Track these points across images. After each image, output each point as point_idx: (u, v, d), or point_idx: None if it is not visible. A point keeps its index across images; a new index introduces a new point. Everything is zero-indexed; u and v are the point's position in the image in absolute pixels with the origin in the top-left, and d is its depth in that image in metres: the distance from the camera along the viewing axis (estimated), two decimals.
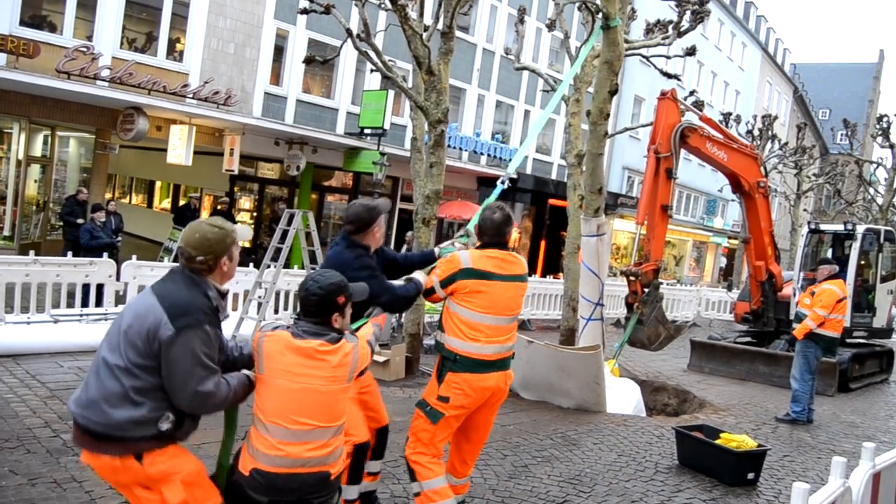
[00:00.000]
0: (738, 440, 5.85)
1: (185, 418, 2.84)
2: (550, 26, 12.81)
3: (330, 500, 3.04)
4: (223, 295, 2.97)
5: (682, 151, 9.88)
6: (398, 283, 4.14)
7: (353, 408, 3.75)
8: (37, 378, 6.91)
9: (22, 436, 5.23)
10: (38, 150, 15.59)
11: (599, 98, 8.85)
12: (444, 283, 3.94)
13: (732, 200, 29.59)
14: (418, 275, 4.16)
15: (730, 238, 41.59)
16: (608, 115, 8.97)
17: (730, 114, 26.28)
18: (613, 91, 8.66)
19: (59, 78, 13.41)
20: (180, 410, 2.80)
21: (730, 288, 24.68)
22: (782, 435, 7.69)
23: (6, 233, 14.78)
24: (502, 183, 5.33)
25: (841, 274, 9.57)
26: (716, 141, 10.39)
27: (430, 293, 4.07)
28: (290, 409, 2.88)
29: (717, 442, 5.88)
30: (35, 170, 15.69)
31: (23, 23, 13.95)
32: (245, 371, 3.02)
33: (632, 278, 8.95)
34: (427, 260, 4.43)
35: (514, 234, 26.51)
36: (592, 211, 8.88)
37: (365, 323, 3.83)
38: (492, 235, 4.05)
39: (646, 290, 8.86)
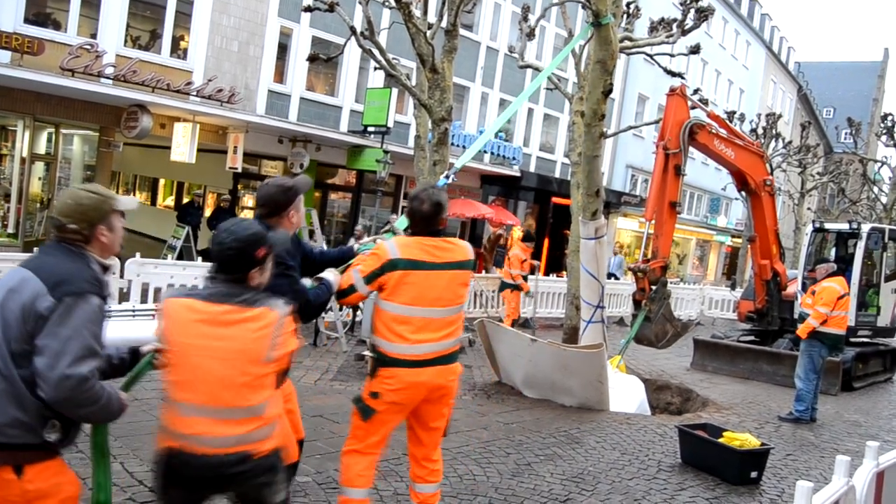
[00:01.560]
0: (741, 439, 5.85)
1: (71, 427, 2.45)
2: (531, 35, 12.78)
3: (267, 482, 2.70)
4: (105, 269, 2.59)
5: (689, 148, 9.86)
6: (307, 284, 3.73)
7: (284, 421, 3.39)
8: None
9: None
10: (42, 148, 15.61)
11: (593, 99, 8.64)
12: (370, 279, 3.59)
13: (736, 199, 29.61)
14: (329, 274, 3.71)
15: (733, 237, 41.53)
16: (603, 115, 8.75)
17: (734, 112, 26.23)
18: (608, 91, 8.43)
19: (64, 76, 13.42)
20: (66, 417, 2.40)
21: (733, 287, 24.65)
22: (785, 434, 7.69)
23: (10, 230, 14.80)
24: (446, 178, 5.25)
25: (844, 272, 9.55)
26: (723, 138, 10.38)
27: (347, 293, 3.67)
28: (196, 384, 2.56)
29: (721, 440, 5.88)
30: (39, 167, 15.71)
31: (27, 20, 13.97)
32: (120, 393, 2.56)
33: (640, 275, 8.94)
34: (344, 257, 4.06)
35: (518, 233, 26.48)
36: (590, 214, 8.76)
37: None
38: (422, 225, 3.72)
39: (654, 286, 8.85)
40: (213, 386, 2.55)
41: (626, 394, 8.11)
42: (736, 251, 41.13)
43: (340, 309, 10.69)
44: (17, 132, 14.91)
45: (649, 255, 9.19)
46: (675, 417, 8.17)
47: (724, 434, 5.99)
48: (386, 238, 4.06)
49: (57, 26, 14.73)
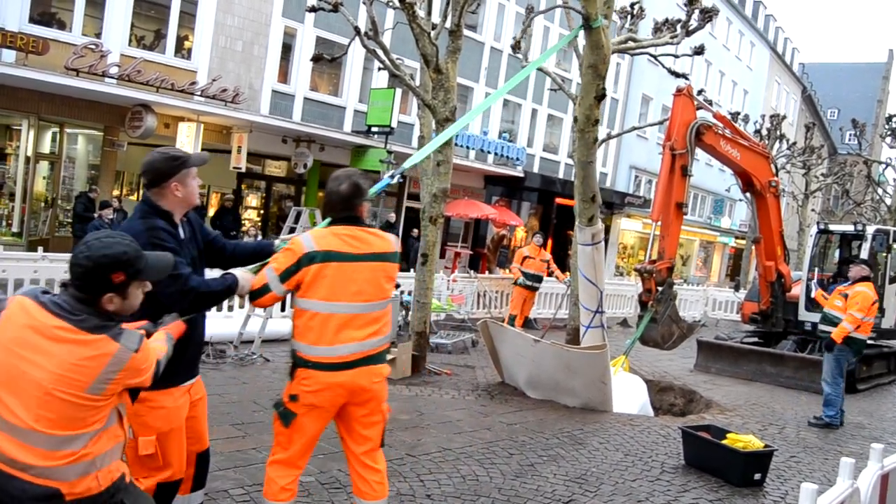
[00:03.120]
0: (744, 440, 5.84)
1: None
2: (515, 46, 12.75)
3: None
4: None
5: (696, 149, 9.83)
6: (210, 275, 3.35)
7: (176, 437, 3.14)
8: None
9: None
10: (46, 147, 15.66)
11: (586, 104, 8.27)
12: (285, 277, 3.27)
13: (740, 200, 29.54)
14: (240, 271, 3.35)
15: (737, 238, 41.49)
16: (597, 120, 8.36)
17: (738, 113, 26.17)
18: (601, 96, 8.09)
19: (68, 75, 13.47)
20: None
21: (737, 288, 24.61)
22: (789, 436, 7.67)
23: (15, 229, 14.84)
24: (391, 177, 5.01)
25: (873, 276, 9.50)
26: (730, 139, 10.36)
27: (261, 293, 3.30)
28: (5, 393, 2.23)
29: (724, 442, 5.86)
30: (44, 167, 15.75)
31: (32, 20, 14.02)
32: None
33: (646, 276, 8.91)
34: (262, 252, 3.60)
35: (521, 233, 26.52)
36: (586, 219, 8.60)
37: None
38: (339, 210, 3.43)
39: (660, 288, 8.82)
40: (21, 400, 2.21)
41: (628, 394, 8.09)
42: (739, 252, 41.09)
43: None
44: (21, 131, 14.96)
45: (655, 256, 9.16)
46: (679, 419, 8.15)
47: (728, 436, 5.97)
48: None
49: (62, 26, 14.78)
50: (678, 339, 9.00)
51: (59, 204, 15.64)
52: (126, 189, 24.84)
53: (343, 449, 3.62)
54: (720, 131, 10.09)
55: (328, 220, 3.51)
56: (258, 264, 3.49)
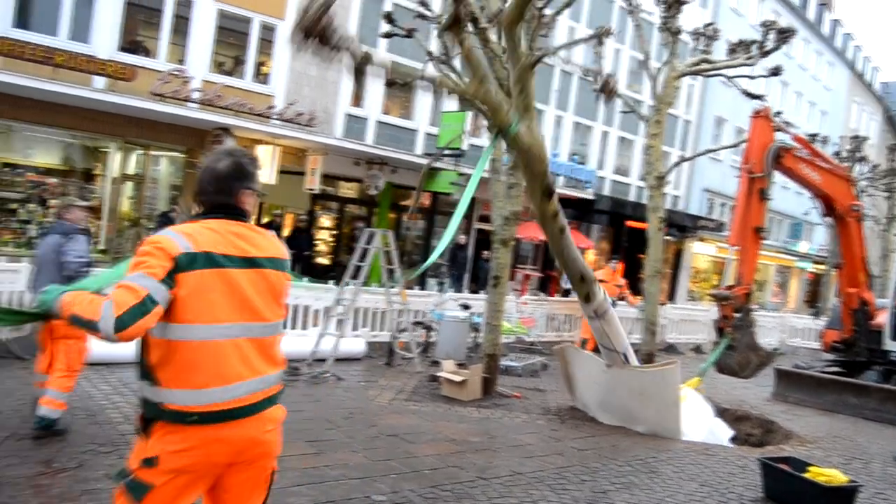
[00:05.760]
0: (827, 474, 5.63)
1: None
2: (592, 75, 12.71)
3: None
4: None
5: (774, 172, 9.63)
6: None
7: None
8: (128, 386, 7.21)
9: (116, 441, 5.46)
10: (132, 169, 16.33)
11: (535, 201, 6.98)
12: (168, 282, 2.32)
13: (819, 224, 28.62)
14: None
15: (815, 263, 40.13)
16: (555, 213, 7.03)
17: (816, 135, 25.45)
18: (549, 192, 6.73)
19: (154, 100, 14.05)
20: None
21: (817, 315, 23.80)
22: (875, 471, 7.35)
23: (102, 246, 15.48)
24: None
25: None
26: (809, 162, 10.10)
27: (138, 314, 2.23)
28: None
29: (806, 475, 5.67)
30: (129, 187, 16.41)
31: (122, 48, 14.69)
32: None
33: (723, 302, 8.73)
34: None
35: (591, 257, 26.25)
36: (583, 298, 7.56)
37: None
38: (213, 194, 2.58)
39: (737, 314, 8.63)
40: None
41: (696, 417, 7.93)
42: (818, 278, 39.74)
43: (416, 329, 10.78)
44: (109, 154, 15.64)
45: (732, 282, 8.97)
46: (756, 449, 7.91)
47: (810, 469, 5.77)
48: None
49: (148, 53, 15.44)
50: (756, 368, 8.77)
51: (142, 223, 16.26)
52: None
53: None
54: (799, 154, 9.86)
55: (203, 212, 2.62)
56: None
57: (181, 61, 15.54)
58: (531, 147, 6.02)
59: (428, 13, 10.95)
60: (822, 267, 36.53)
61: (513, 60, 5.36)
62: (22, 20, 13.67)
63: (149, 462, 2.36)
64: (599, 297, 7.31)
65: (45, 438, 5.34)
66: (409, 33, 10.46)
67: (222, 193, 2.58)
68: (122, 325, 2.21)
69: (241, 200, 2.61)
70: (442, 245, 6.17)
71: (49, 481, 4.49)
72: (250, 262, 2.52)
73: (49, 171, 15.07)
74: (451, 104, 19.08)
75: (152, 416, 2.40)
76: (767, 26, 11.85)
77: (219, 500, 2.55)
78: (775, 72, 12.31)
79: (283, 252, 2.71)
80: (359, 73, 4.91)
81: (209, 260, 2.40)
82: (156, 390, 2.38)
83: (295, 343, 9.56)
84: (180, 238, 2.39)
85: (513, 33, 4.98)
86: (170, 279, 2.31)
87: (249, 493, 2.58)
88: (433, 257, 6.66)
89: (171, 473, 2.36)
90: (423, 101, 20.13)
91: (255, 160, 2.75)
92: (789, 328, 19.77)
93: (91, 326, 2.26)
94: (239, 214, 2.60)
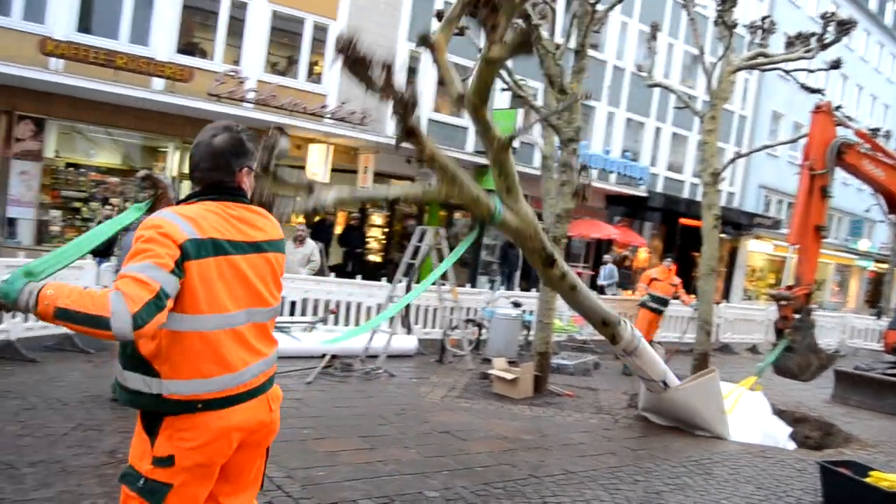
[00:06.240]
0: (891, 479, 5.48)
1: None
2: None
3: None
4: None
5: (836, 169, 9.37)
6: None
7: None
8: None
9: None
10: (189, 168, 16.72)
11: (538, 268, 6.39)
12: (179, 272, 2.15)
13: (881, 222, 27.81)
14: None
15: (877, 262, 38.96)
16: (563, 275, 6.34)
17: (878, 129, 24.68)
18: (550, 261, 6.14)
19: (210, 101, 14.36)
20: None
21: (879, 315, 23.10)
22: None
23: None
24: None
25: None
26: (872, 157, 9.81)
27: (156, 308, 2.04)
28: None
29: (867, 480, 5.53)
30: (186, 185, 16.79)
31: (179, 50, 15.05)
32: None
33: (783, 302, 8.55)
34: None
35: (643, 254, 25.94)
36: (610, 339, 7.11)
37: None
38: (208, 171, 2.40)
39: (797, 315, 8.45)
40: None
41: (750, 420, 7.81)
42: (880, 277, 38.55)
43: (467, 326, 10.82)
44: (167, 153, 16.04)
45: (792, 282, 8.78)
46: (815, 453, 7.73)
47: (871, 473, 5.62)
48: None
49: (204, 55, 15.77)
50: (816, 370, 8.58)
51: None
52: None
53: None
54: (862, 149, 9.58)
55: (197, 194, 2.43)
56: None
57: (236, 62, 15.85)
58: (519, 229, 5.73)
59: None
60: (884, 266, 35.40)
61: (486, 142, 5.11)
62: (84, 25, 14.10)
63: (163, 462, 2.26)
64: (627, 336, 6.97)
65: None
66: (461, 31, 10.47)
67: (219, 170, 2.40)
68: (140, 322, 2.01)
69: (239, 179, 2.44)
70: (443, 267, 5.96)
71: (113, 471, 4.64)
72: (255, 247, 2.42)
73: (110, 171, 15.53)
74: (501, 101, 19.07)
75: (153, 408, 2.28)
76: (827, 18, 11.52)
77: (223, 479, 2.45)
78: (835, 65, 11.96)
79: (281, 232, 2.58)
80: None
81: (215, 247, 2.27)
82: (155, 381, 2.25)
83: (349, 340, 9.68)
84: (184, 223, 2.21)
85: (480, 115, 4.76)
86: (179, 269, 2.15)
87: (250, 469, 2.55)
88: (435, 275, 6.31)
89: (190, 470, 2.27)
90: None
91: (256, 137, 2.57)
92: (850, 328, 19.24)
93: (97, 324, 1.99)
94: (238, 195, 2.43)
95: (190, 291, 2.20)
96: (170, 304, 2.11)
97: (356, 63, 4.07)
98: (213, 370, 2.29)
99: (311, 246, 11.46)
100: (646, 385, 7.68)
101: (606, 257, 19.95)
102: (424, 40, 4.29)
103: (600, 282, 19.08)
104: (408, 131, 4.50)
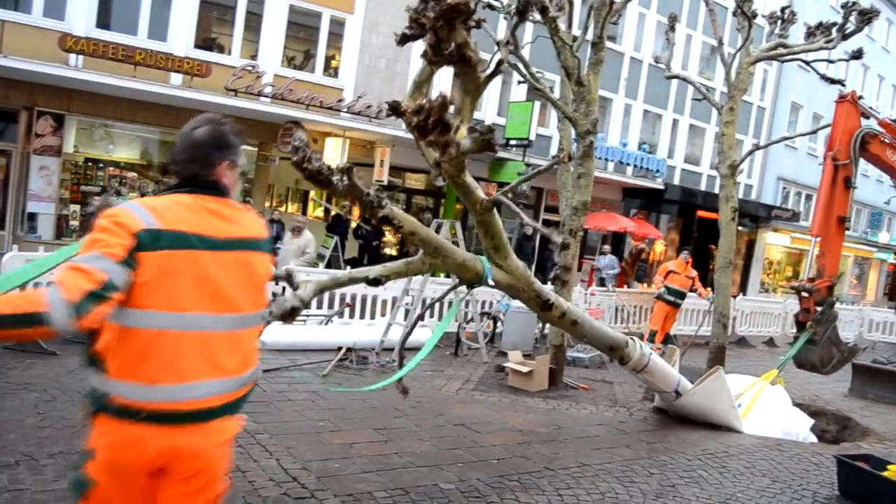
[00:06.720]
0: None
1: None
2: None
3: None
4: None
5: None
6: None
7: None
8: None
9: None
10: None
11: (536, 312, 6.38)
12: (129, 262, 2.01)
13: None
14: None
15: None
16: (562, 314, 6.21)
17: None
18: (547, 305, 6.06)
19: (228, 95, 14.44)
20: None
21: None
22: None
23: None
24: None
25: None
26: None
27: (97, 298, 1.91)
28: None
29: (885, 474, 5.50)
30: None
31: (196, 45, 15.14)
32: None
33: (804, 295, 8.49)
34: None
35: (660, 247, 25.83)
36: (618, 361, 7.06)
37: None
38: (186, 164, 2.28)
39: (819, 308, 8.39)
40: None
41: (769, 415, 7.78)
42: None
43: (482, 319, 10.83)
44: None
45: (814, 274, 8.71)
46: (832, 446, 7.70)
47: (889, 468, 5.59)
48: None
49: (221, 50, 15.86)
50: (838, 364, 8.52)
51: None
52: (276, 201, 26.21)
53: None
54: (886, 140, 9.48)
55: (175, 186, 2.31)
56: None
57: (253, 57, 15.90)
58: (511, 284, 5.67)
59: (496, 3, 10.93)
60: None
61: (469, 206, 5.05)
62: (103, 21, 14.21)
63: (88, 455, 2.15)
64: (635, 357, 6.86)
65: None
66: (478, 24, 10.45)
67: (197, 163, 2.27)
68: (79, 311, 1.87)
69: (219, 173, 2.30)
70: (433, 340, 5.88)
71: None
72: (228, 244, 2.23)
73: (129, 166, 15.66)
74: (518, 93, 19.03)
75: (98, 408, 2.14)
76: (848, 7, 11.38)
77: None
78: (857, 55, 11.82)
79: (263, 231, 2.40)
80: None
81: (178, 239, 2.10)
82: (103, 380, 2.11)
83: (364, 332, 9.74)
84: (142, 212, 2.08)
85: (459, 182, 4.67)
86: (131, 259, 2.01)
87: None
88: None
89: (106, 470, 2.13)
90: (490, 91, 20.09)
91: (240, 131, 2.41)
92: (868, 321, 19.09)
93: (32, 320, 1.84)
94: (216, 189, 2.28)
95: (142, 285, 2.05)
96: (117, 296, 1.98)
97: (313, 175, 4.01)
98: (161, 375, 2.09)
99: (307, 238, 11.54)
100: (660, 396, 7.69)
101: (605, 248, 19.69)
102: (395, 108, 4.20)
103: (598, 266, 18.41)
104: (381, 220, 4.50)
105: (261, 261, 2.34)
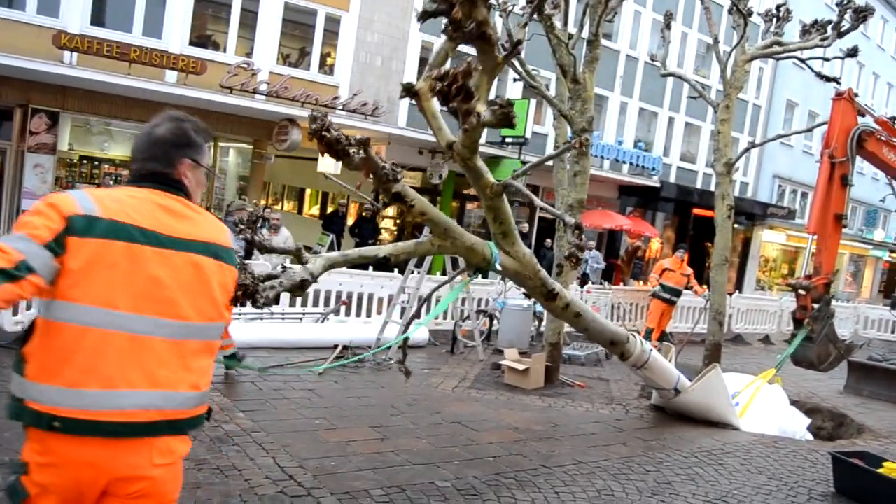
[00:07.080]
0: None
1: None
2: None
3: None
4: None
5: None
6: None
7: None
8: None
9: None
10: None
11: (541, 302, 6.40)
12: (58, 244, 1.85)
13: None
14: None
15: (892, 252, 38.68)
16: (566, 305, 6.28)
17: (894, 118, 24.45)
18: (551, 295, 6.04)
19: (223, 93, 14.40)
20: None
21: (893, 306, 22.93)
22: None
23: None
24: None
25: None
26: (893, 146, 9.72)
27: (6, 280, 1.74)
28: None
29: (880, 471, 5.51)
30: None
31: (191, 43, 15.10)
32: None
33: (801, 292, 8.50)
34: None
35: (656, 245, 25.86)
36: (619, 355, 7.13)
37: None
38: (144, 160, 2.14)
39: (816, 305, 8.41)
40: None
41: (765, 413, 7.79)
42: (895, 267, 38.28)
43: (479, 317, 10.83)
44: None
45: (811, 271, 8.73)
46: (827, 443, 7.72)
47: (884, 464, 5.61)
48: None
49: (216, 47, 15.81)
50: (835, 361, 8.54)
51: (212, 212, 16.73)
52: (272, 198, 26.19)
53: None
54: (882, 137, 9.49)
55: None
56: None
57: (248, 54, 15.87)
58: (518, 271, 5.67)
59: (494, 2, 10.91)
60: None
61: (479, 190, 5.03)
62: (98, 18, 14.17)
63: (23, 467, 1.94)
64: (636, 353, 6.88)
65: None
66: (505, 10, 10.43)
67: (155, 160, 2.13)
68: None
69: (178, 171, 2.16)
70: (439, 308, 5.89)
71: None
72: (177, 243, 2.05)
73: (124, 164, 15.62)
74: (514, 91, 19.02)
75: (13, 414, 1.93)
76: (843, 5, 11.39)
77: None
78: (852, 53, 11.83)
79: (225, 238, 2.21)
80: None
81: (117, 230, 1.94)
82: (20, 382, 1.91)
83: (360, 330, 9.74)
84: (83, 197, 1.95)
85: (471, 165, 4.65)
86: (57, 244, 1.85)
87: None
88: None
89: (39, 487, 1.92)
90: None
91: (207, 130, 2.29)
92: (863, 319, 19.15)
93: None
94: (174, 186, 2.13)
95: (72, 274, 1.88)
96: (35, 279, 1.80)
97: (331, 145, 4.03)
98: (83, 379, 1.88)
99: (285, 235, 11.52)
100: (659, 394, 7.69)
101: (590, 243, 19.54)
102: (408, 89, 4.22)
103: (584, 259, 18.27)
104: (394, 196, 4.53)
105: (218, 269, 2.14)
